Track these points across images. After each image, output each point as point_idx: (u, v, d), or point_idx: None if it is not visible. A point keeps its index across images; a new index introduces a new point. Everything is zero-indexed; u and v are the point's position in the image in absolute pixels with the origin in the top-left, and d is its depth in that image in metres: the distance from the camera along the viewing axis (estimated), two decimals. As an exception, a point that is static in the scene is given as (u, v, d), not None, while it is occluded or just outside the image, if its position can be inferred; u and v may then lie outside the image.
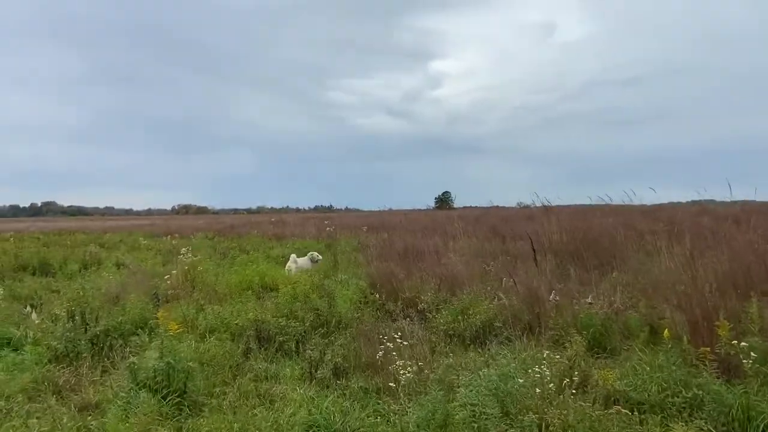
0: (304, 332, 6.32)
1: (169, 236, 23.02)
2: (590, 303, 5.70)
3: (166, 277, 8.98)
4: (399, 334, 5.91)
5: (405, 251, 11.92)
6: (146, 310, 7.06)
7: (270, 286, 9.02)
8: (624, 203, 13.77)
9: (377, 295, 7.37)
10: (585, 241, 10.53)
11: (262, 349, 5.93)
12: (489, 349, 5.43)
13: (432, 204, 50.45)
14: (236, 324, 6.36)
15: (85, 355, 5.71)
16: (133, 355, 5.26)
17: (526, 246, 12.18)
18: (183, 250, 11.38)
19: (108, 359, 5.74)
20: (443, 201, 58.27)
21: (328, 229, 18.93)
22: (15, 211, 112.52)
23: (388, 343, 5.00)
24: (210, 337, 6.08)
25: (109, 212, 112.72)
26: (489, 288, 7.30)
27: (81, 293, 7.07)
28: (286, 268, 10.95)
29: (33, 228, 36.98)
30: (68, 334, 5.89)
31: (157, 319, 5.72)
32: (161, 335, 5.04)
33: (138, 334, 6.12)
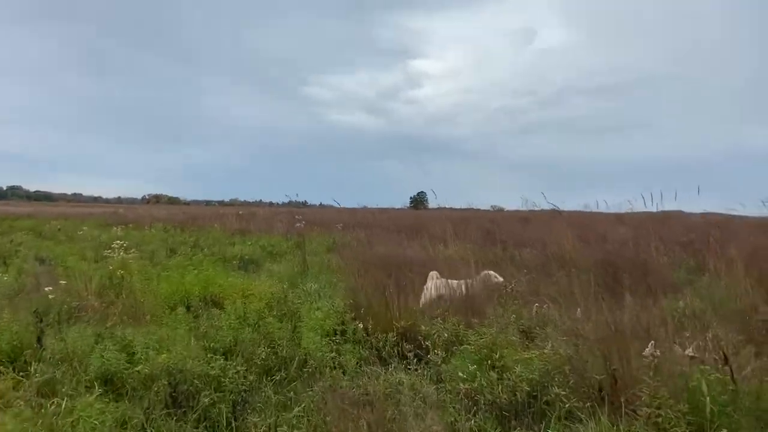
0: (250, 385, 4.11)
1: (120, 227, 20.48)
2: (693, 356, 3.65)
3: (60, 283, 6.63)
4: (395, 392, 3.80)
5: (388, 256, 9.76)
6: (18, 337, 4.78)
7: (215, 300, 6.76)
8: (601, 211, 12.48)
9: (360, 323, 5.18)
10: (614, 254, 8.52)
11: (173, 419, 3.70)
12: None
13: (407, 203, 48.71)
14: (139, 371, 4.08)
15: None
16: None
17: (535, 255, 10.19)
18: (115, 244, 9.06)
19: None
20: (418, 201, 56.59)
21: (297, 224, 16.65)
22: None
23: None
24: (93, 394, 3.82)
25: (76, 199, 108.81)
26: (514, 317, 5.20)
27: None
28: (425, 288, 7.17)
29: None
30: None
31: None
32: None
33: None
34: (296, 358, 4.68)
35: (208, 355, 4.57)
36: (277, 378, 4.43)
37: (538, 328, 5.11)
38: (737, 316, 5.30)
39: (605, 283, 7.12)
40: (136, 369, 4.08)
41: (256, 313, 5.83)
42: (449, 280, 6.91)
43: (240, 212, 30.26)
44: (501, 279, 6.71)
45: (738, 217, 15.63)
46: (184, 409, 3.81)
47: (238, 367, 4.20)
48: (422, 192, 54.43)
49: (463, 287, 6.44)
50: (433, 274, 7.31)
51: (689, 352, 3.56)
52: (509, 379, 3.71)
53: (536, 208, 13.24)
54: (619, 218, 17.57)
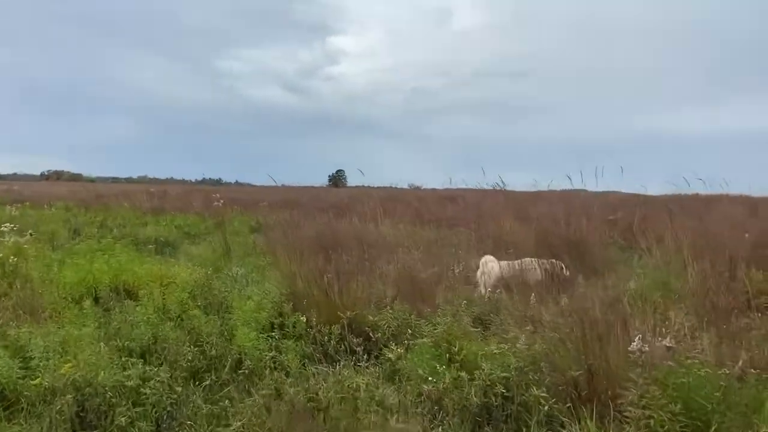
0: (177, 397, 3.46)
1: (15, 206, 18.50)
2: (670, 347, 3.38)
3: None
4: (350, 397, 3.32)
5: (322, 237, 9.18)
6: None
7: (129, 289, 5.93)
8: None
9: (303, 316, 4.60)
10: (552, 234, 8.39)
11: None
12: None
13: (326, 182, 48.13)
14: (36, 385, 3.33)
15: None
16: None
17: (471, 234, 9.96)
18: (4, 226, 7.92)
19: None
20: (337, 179, 56.26)
21: (216, 203, 15.65)
22: None
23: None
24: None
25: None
26: (465, 303, 4.82)
27: None
28: (479, 274, 6.52)
29: None
30: None
31: None
32: None
33: None
34: (229, 358, 4.07)
35: (123, 359, 3.87)
36: (208, 383, 3.80)
37: (492, 314, 4.76)
38: (687, 297, 5.21)
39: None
40: (33, 383, 3.32)
41: (178, 305, 5.14)
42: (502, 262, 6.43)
43: (151, 190, 28.41)
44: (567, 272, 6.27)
45: (642, 196, 16.34)
46: (95, 430, 3.14)
47: (161, 374, 3.53)
48: (341, 170, 54.11)
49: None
50: (488, 258, 6.74)
51: (667, 342, 3.29)
52: (479, 378, 3.30)
53: (455, 187, 12.94)
54: (536, 196, 17.92)
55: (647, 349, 2.99)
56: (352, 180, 49.67)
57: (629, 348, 3.03)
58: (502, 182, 11.44)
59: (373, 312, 4.75)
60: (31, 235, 10.09)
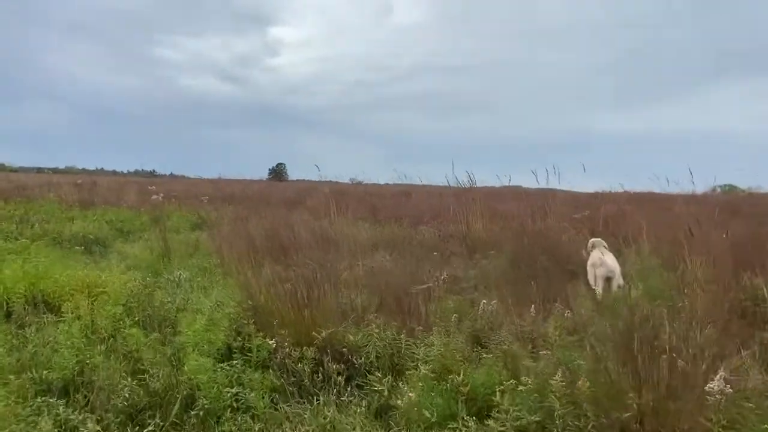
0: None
1: None
2: (723, 390, 2.73)
3: None
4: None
5: (274, 236, 8.32)
6: None
7: (49, 301, 4.93)
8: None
9: (269, 338, 3.78)
10: (525, 234, 7.86)
11: None
12: None
13: (265, 175, 46.67)
14: None
15: None
16: None
17: (436, 233, 9.35)
18: None
19: None
20: (277, 172, 54.89)
21: (154, 197, 14.39)
22: None
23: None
24: None
25: None
26: (455, 317, 4.15)
27: None
28: (590, 263, 5.69)
29: None
30: None
31: None
32: None
33: None
34: (178, 394, 3.23)
35: (38, 400, 2.99)
36: (151, 428, 2.97)
37: (490, 330, 4.11)
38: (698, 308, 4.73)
39: (528, 267, 6.39)
40: None
41: (110, 321, 4.23)
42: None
43: (79, 181, 26.42)
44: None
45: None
46: None
47: (88, 425, 2.68)
48: (281, 163, 52.82)
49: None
50: (595, 240, 5.89)
51: (721, 375, 2.70)
52: (504, 423, 2.62)
53: (399, 182, 12.25)
54: (490, 193, 17.58)
55: (730, 390, 2.39)
56: (293, 174, 48.40)
57: (707, 387, 2.42)
58: (472, 178, 10.57)
59: (351, 329, 4.00)
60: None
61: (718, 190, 20.92)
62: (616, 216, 9.90)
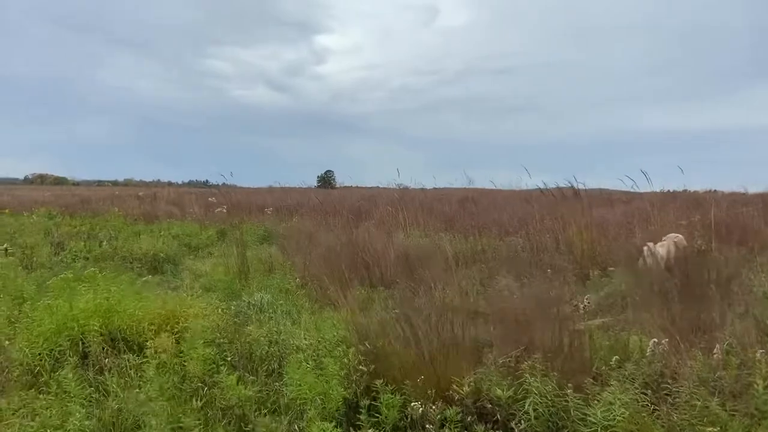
0: None
1: (-8, 212, 16.80)
2: None
3: None
4: None
5: (353, 250, 7.64)
6: None
7: (127, 338, 4.35)
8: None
9: (391, 389, 3.03)
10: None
11: None
12: None
13: (314, 183, 46.47)
14: None
15: None
16: None
17: (526, 245, 8.46)
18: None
19: None
20: (325, 180, 54.67)
21: (218, 209, 14.02)
22: None
23: None
24: None
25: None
26: (634, 366, 3.30)
27: None
28: None
29: None
30: None
31: None
32: None
33: None
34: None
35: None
36: None
37: (669, 380, 3.25)
38: None
39: (662, 287, 5.45)
40: None
41: (202, 365, 3.59)
42: None
43: (140, 194, 26.71)
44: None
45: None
46: None
47: None
48: (329, 171, 52.73)
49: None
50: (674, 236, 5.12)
51: None
52: None
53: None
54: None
55: None
56: (340, 180, 48.05)
57: None
58: (577, 181, 9.21)
59: (496, 379, 3.21)
60: (6, 251, 8.52)
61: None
62: (730, 221, 8.75)
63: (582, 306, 4.04)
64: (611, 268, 5.79)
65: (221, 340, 4.03)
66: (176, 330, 4.27)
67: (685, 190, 16.20)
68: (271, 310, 5.75)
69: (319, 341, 3.96)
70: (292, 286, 6.75)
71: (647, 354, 3.42)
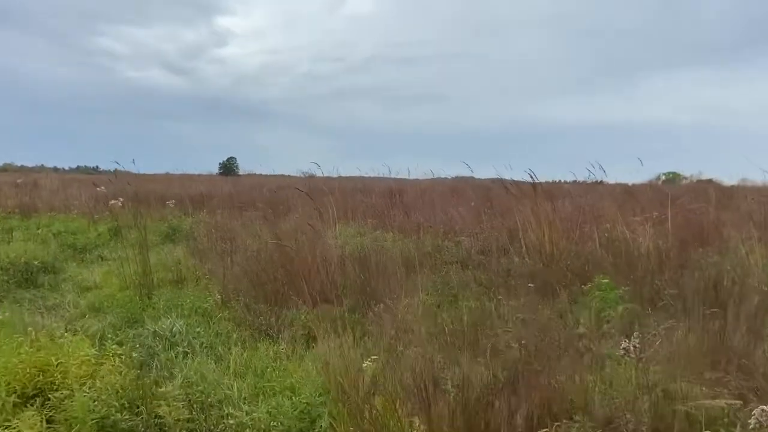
0: None
1: None
2: None
3: None
4: None
5: (282, 255, 6.32)
6: None
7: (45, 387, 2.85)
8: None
9: None
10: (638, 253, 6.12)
11: None
12: None
13: (216, 170, 44.04)
14: None
15: None
16: None
17: (480, 246, 7.53)
18: None
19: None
20: (228, 167, 52.21)
21: (112, 201, 11.98)
22: None
23: None
24: None
25: None
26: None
27: None
28: None
29: None
30: None
31: None
32: None
33: None
34: None
35: None
36: None
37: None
38: None
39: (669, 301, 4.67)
40: None
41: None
42: None
43: (18, 181, 23.37)
44: None
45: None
46: None
47: None
48: (232, 157, 50.55)
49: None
50: None
51: None
52: None
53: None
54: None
55: None
56: (244, 167, 45.80)
57: None
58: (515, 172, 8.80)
59: None
60: None
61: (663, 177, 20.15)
62: (691, 218, 8.20)
63: (632, 349, 2.98)
64: (604, 277, 4.92)
65: (122, 420, 2.67)
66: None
67: (601, 182, 16.15)
68: (185, 344, 4.39)
69: (270, 413, 2.71)
70: (210, 304, 5.37)
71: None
